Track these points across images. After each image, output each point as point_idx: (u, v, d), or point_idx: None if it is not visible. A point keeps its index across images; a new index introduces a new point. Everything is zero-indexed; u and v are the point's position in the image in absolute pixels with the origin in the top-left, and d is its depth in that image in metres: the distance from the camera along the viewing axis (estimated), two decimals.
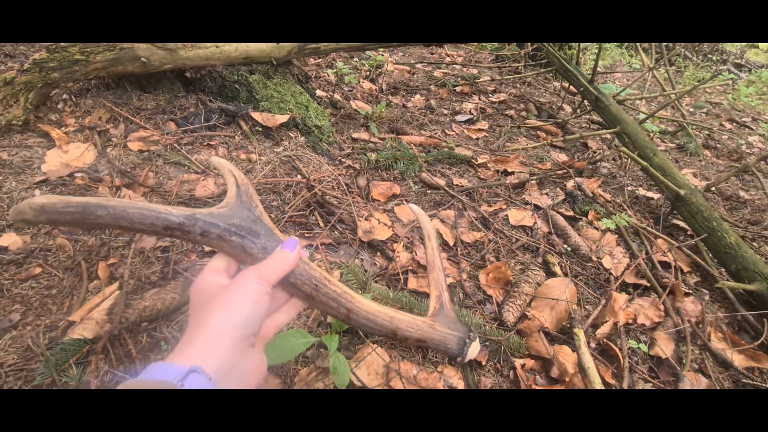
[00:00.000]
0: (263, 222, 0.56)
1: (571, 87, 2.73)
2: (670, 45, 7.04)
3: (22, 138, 1.37)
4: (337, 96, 2.32)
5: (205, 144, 1.55)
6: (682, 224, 1.74)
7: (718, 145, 3.19)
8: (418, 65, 3.47)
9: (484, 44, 4.02)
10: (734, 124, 3.95)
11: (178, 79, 1.70)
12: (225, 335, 0.44)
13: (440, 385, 0.97)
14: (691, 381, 1.06)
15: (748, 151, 3.25)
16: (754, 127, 3.93)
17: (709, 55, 7.11)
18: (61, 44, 1.38)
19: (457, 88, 3.08)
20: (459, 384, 1.00)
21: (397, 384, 0.95)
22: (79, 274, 1.03)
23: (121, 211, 0.48)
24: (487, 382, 1.02)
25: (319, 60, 2.74)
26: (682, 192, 1.63)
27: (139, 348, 0.88)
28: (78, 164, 1.35)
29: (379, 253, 1.36)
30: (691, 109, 4.30)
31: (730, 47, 7.59)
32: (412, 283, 1.26)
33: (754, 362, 1.15)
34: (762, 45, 8.77)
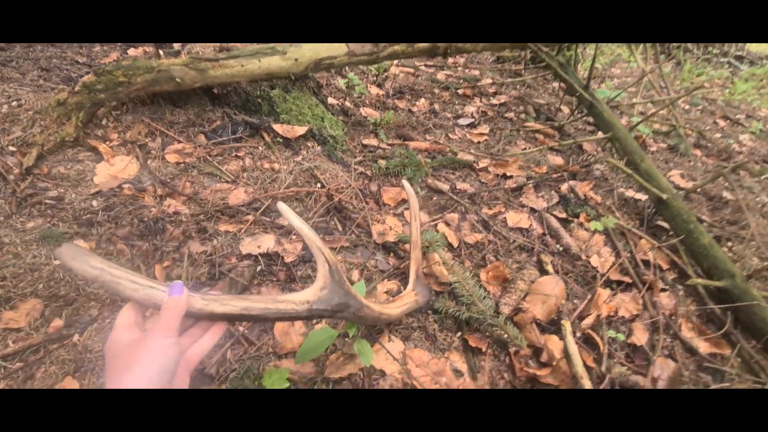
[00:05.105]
0: (351, 293, 0.75)
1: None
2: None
3: (74, 153, 1.54)
4: (347, 103, 2.48)
5: (233, 155, 1.72)
6: (665, 225, 1.91)
7: (709, 145, 3.34)
8: (422, 67, 3.61)
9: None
10: (728, 121, 4.08)
11: (206, 95, 1.86)
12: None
13: (447, 368, 1.16)
14: (661, 365, 1.25)
15: (738, 149, 3.40)
16: (746, 125, 4.06)
17: (710, 48, 7.10)
18: (107, 68, 1.54)
19: (459, 91, 3.22)
20: (463, 367, 1.19)
21: (411, 368, 1.14)
22: None
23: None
24: (486, 365, 1.21)
25: None
26: (664, 196, 1.80)
27: None
28: (124, 176, 1.52)
29: (392, 254, 1.53)
30: (687, 106, 4.40)
31: None
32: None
33: (717, 349, 1.33)
34: None
